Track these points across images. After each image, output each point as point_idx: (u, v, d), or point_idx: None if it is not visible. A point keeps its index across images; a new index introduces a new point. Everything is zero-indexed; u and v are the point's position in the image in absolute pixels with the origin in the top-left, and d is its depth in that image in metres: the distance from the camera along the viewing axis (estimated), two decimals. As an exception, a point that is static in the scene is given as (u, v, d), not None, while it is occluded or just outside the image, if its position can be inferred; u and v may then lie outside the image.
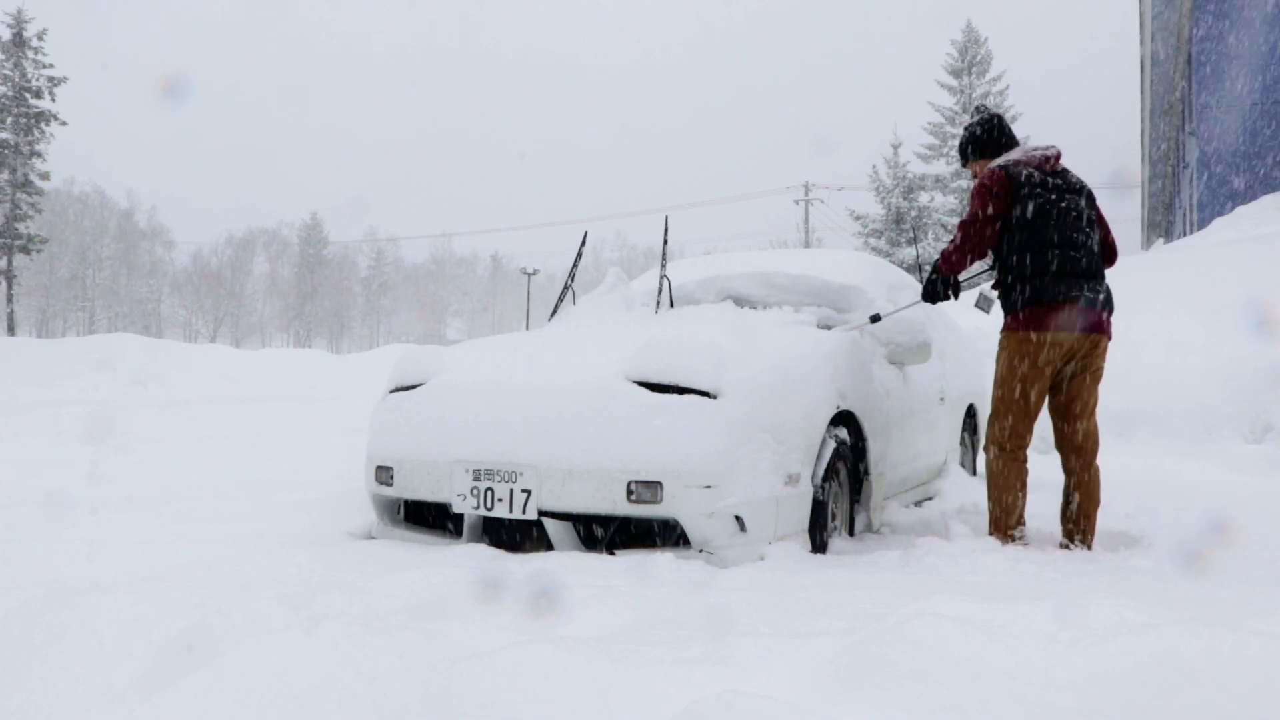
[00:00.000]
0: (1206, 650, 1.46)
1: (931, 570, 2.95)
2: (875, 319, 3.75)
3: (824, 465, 3.17)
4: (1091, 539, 3.42)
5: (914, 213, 31.56)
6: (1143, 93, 22.09)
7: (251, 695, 1.57)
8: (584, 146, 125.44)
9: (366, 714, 1.53)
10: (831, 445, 3.24)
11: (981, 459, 5.64)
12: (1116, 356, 7.28)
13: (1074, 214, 3.42)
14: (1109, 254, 3.58)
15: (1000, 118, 3.73)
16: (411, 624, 1.96)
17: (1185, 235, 17.91)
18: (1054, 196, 3.40)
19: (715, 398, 2.92)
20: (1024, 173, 3.42)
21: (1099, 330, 3.38)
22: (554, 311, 4.64)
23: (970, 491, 4.60)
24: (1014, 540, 3.37)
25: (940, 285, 3.50)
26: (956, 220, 30.27)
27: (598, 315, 3.75)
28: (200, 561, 2.86)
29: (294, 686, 1.59)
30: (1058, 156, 3.52)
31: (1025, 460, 3.44)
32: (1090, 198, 3.53)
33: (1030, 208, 3.37)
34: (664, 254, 4.28)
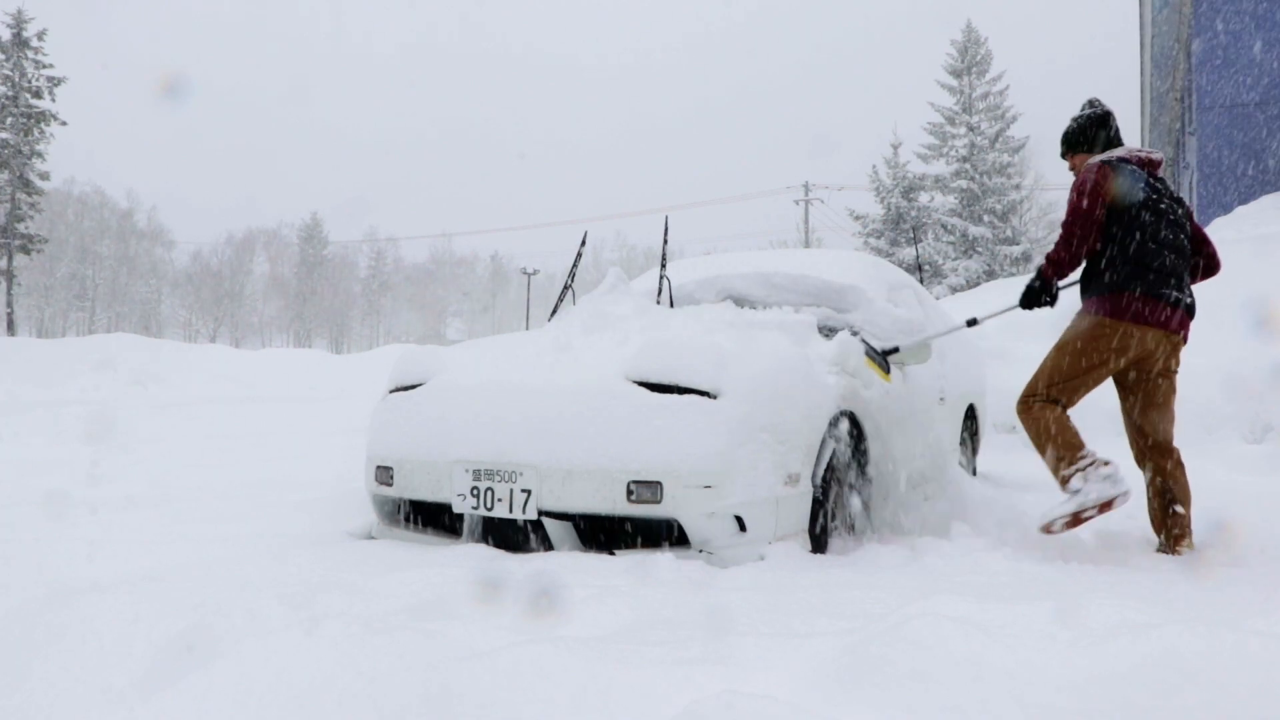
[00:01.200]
0: (1206, 650, 1.46)
1: (931, 570, 2.95)
2: (972, 323, 3.80)
3: (824, 465, 3.17)
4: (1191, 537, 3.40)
5: (914, 213, 31.55)
6: (1143, 92, 22.09)
7: (251, 695, 1.57)
8: (584, 146, 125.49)
9: (366, 714, 1.53)
10: (831, 445, 3.23)
11: (977, 460, 5.63)
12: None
13: (1172, 218, 3.42)
14: (1211, 265, 3.65)
15: (1112, 115, 3.68)
16: (411, 624, 1.96)
17: (1185, 235, 17.88)
18: (1155, 197, 3.40)
19: (715, 398, 2.92)
20: (1129, 167, 3.40)
21: (1181, 332, 3.42)
22: (554, 311, 4.64)
23: (970, 492, 4.59)
24: (1090, 464, 3.26)
25: (1041, 292, 3.46)
26: (956, 220, 30.24)
27: (598, 315, 3.75)
28: (200, 561, 2.86)
29: (294, 686, 1.60)
30: (1160, 163, 3.52)
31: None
32: (1189, 212, 3.56)
33: (1139, 199, 3.34)
34: (664, 254, 4.28)
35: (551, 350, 3.41)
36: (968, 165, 31.16)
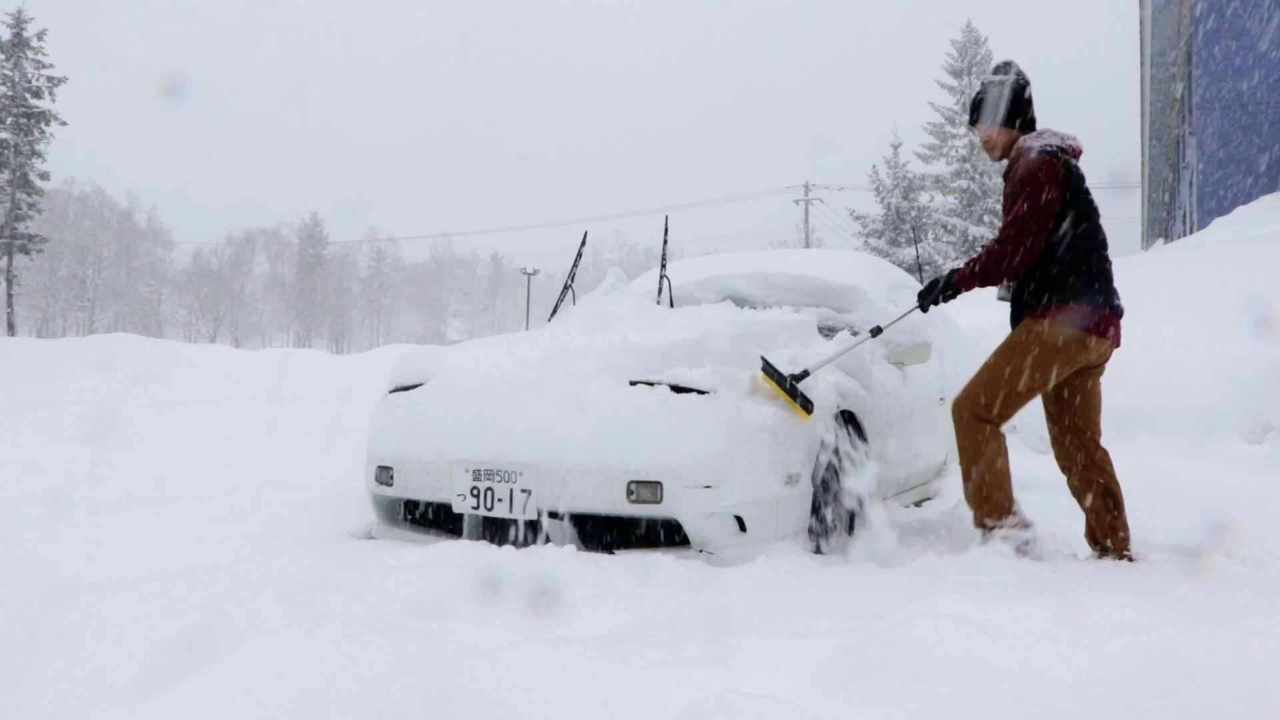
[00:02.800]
0: (1206, 650, 1.46)
1: (931, 570, 2.95)
2: (876, 332, 3.50)
3: (824, 465, 3.16)
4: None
5: (914, 213, 31.55)
6: (1143, 93, 22.09)
7: (251, 695, 1.57)
8: (584, 146, 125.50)
9: (366, 714, 1.53)
10: (831, 445, 3.23)
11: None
12: (1116, 356, 7.32)
13: (1099, 213, 3.25)
14: None
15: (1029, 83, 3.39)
16: (411, 624, 1.96)
17: (1185, 235, 17.91)
18: (1090, 194, 3.24)
19: (715, 398, 2.92)
20: (1071, 161, 3.22)
21: (1118, 340, 3.32)
22: (554, 311, 4.64)
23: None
24: (1014, 526, 3.09)
25: (943, 296, 3.31)
26: (956, 220, 30.23)
27: (598, 315, 3.75)
28: (200, 561, 2.86)
29: (294, 686, 1.59)
30: (1082, 152, 3.33)
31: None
32: None
33: (1087, 204, 3.19)
34: (664, 254, 4.29)
35: (552, 350, 3.41)
36: (968, 165, 31.16)
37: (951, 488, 4.64)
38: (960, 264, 3.32)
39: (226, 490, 4.73)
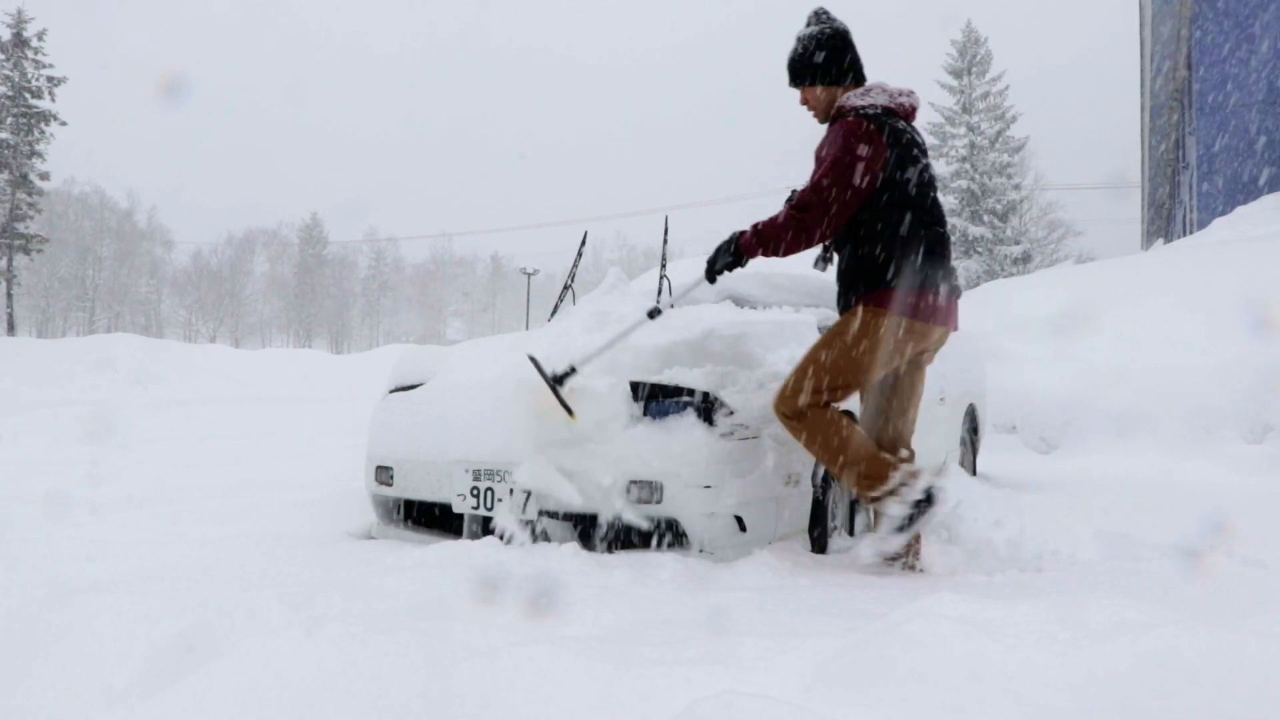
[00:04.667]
0: (1206, 650, 1.46)
1: (931, 570, 2.95)
2: (654, 314, 3.05)
3: (824, 465, 3.16)
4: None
5: (914, 213, 31.53)
6: (1143, 93, 22.08)
7: (251, 695, 1.57)
8: (584, 146, 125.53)
9: (366, 714, 1.53)
10: (831, 445, 3.23)
11: (964, 457, 5.62)
12: (1117, 356, 7.34)
13: (935, 184, 2.93)
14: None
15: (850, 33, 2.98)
16: (411, 624, 1.96)
17: (1185, 235, 17.91)
18: (926, 161, 2.91)
19: (715, 398, 2.92)
20: (898, 125, 2.85)
21: (955, 323, 2.98)
22: (554, 311, 4.64)
23: (970, 491, 4.60)
24: (903, 483, 2.77)
25: (728, 266, 2.93)
26: (956, 220, 30.20)
27: (598, 315, 3.75)
28: (200, 561, 2.86)
29: (294, 686, 1.59)
30: (918, 108, 2.95)
31: None
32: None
33: (914, 175, 2.83)
34: (664, 254, 4.28)
35: (552, 351, 3.41)
36: (968, 165, 31.17)
37: (951, 488, 4.64)
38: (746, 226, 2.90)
39: (226, 490, 4.73)
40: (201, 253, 71.92)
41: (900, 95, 2.91)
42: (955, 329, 3.00)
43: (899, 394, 3.03)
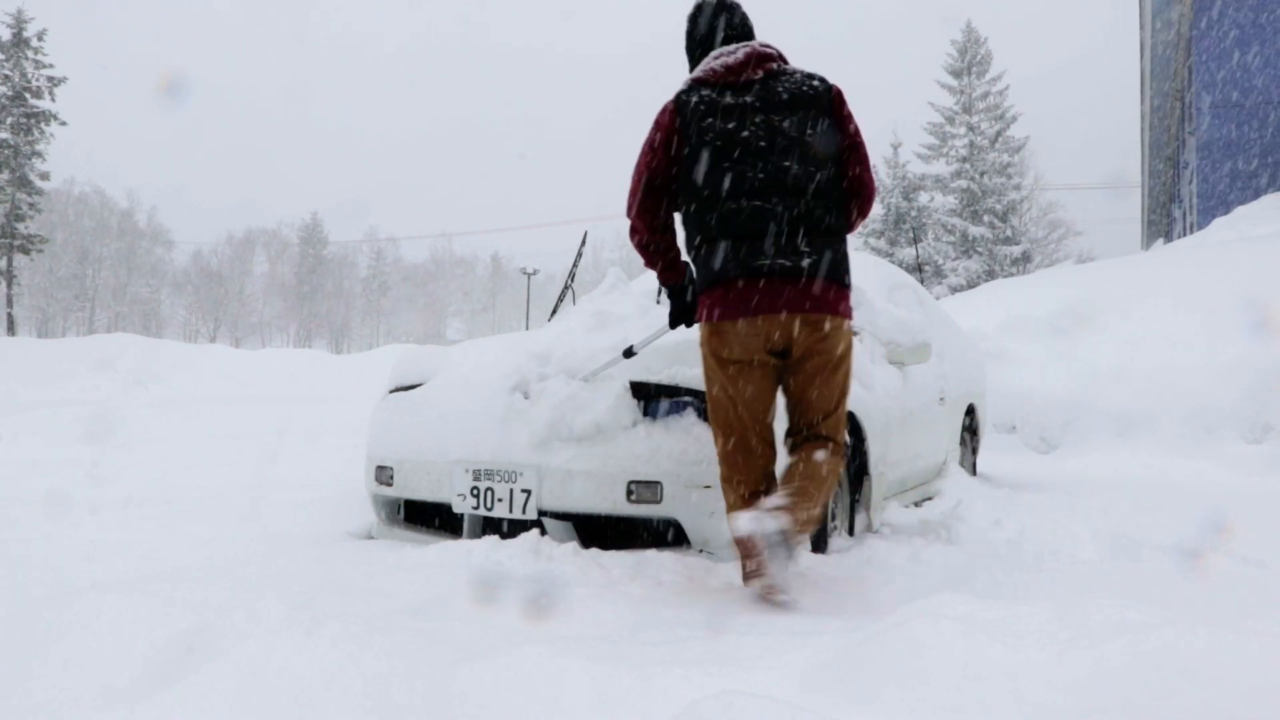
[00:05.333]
0: (1206, 650, 1.46)
1: (931, 570, 2.95)
2: (629, 354, 2.95)
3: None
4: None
5: (914, 213, 31.55)
6: (1143, 93, 22.09)
7: (252, 695, 1.57)
8: (585, 146, 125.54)
9: (366, 714, 1.53)
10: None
11: (974, 458, 5.62)
12: (1117, 356, 7.34)
13: (762, 143, 2.43)
14: (854, 194, 2.55)
15: (713, 5, 2.62)
16: (412, 624, 1.96)
17: (1185, 235, 17.91)
18: (733, 125, 2.43)
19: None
20: (697, 98, 2.49)
21: (804, 309, 2.42)
22: (554, 311, 4.64)
23: (970, 491, 4.60)
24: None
25: (674, 304, 2.69)
26: (956, 220, 30.22)
27: (598, 315, 3.75)
28: (200, 561, 2.86)
29: (294, 686, 1.59)
30: (750, 60, 2.50)
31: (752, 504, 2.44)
32: (816, 113, 2.45)
33: (697, 148, 2.45)
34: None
35: (552, 350, 3.41)
36: (968, 165, 31.16)
37: (951, 488, 4.65)
38: None
39: (226, 490, 4.73)
40: (201, 253, 71.97)
41: (717, 58, 2.53)
42: (798, 312, 2.41)
43: (790, 394, 2.59)
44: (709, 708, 1.38)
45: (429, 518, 3.49)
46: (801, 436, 2.59)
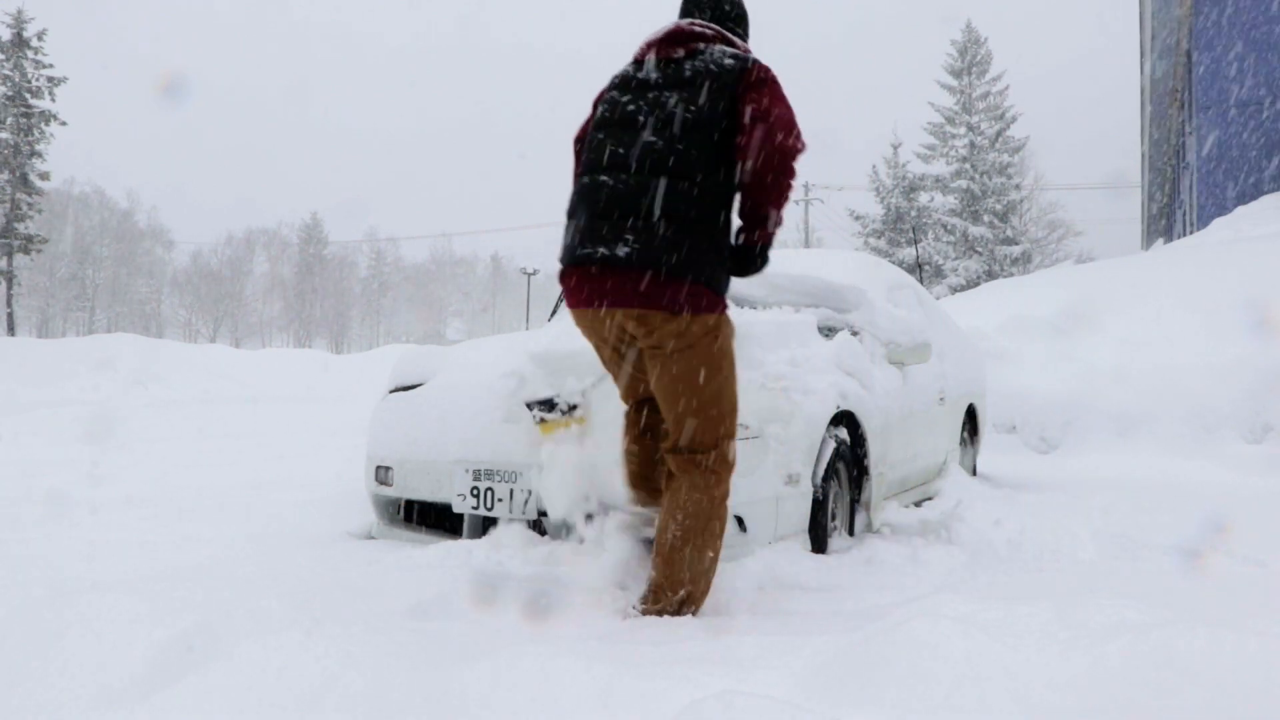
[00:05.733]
0: (1206, 650, 1.46)
1: (931, 570, 2.95)
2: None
3: (824, 465, 3.16)
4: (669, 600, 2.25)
5: (914, 213, 31.54)
6: (1143, 93, 22.08)
7: (252, 695, 1.57)
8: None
9: (366, 714, 1.53)
10: (832, 445, 3.23)
11: (972, 458, 5.61)
12: (1117, 356, 7.34)
13: (639, 117, 2.26)
14: (751, 182, 2.23)
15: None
16: (412, 624, 1.96)
17: (1185, 235, 17.91)
18: (626, 99, 2.31)
19: (715, 398, 2.92)
20: (619, 72, 2.43)
21: (632, 303, 2.20)
22: (554, 311, 4.64)
23: (970, 491, 4.60)
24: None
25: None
26: (956, 220, 30.24)
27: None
28: (200, 561, 2.86)
29: (294, 686, 1.59)
30: (671, 37, 2.36)
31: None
32: (715, 89, 2.22)
33: (591, 121, 2.40)
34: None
35: (552, 350, 3.41)
36: (968, 165, 31.16)
37: (951, 488, 4.65)
38: None
39: (226, 490, 4.73)
40: (201, 253, 71.93)
41: (659, 30, 2.43)
42: (660, 310, 2.20)
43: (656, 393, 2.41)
44: (709, 708, 1.38)
45: (429, 518, 3.49)
46: (668, 448, 2.35)
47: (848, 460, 3.44)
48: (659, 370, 2.28)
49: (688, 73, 2.28)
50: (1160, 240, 22.98)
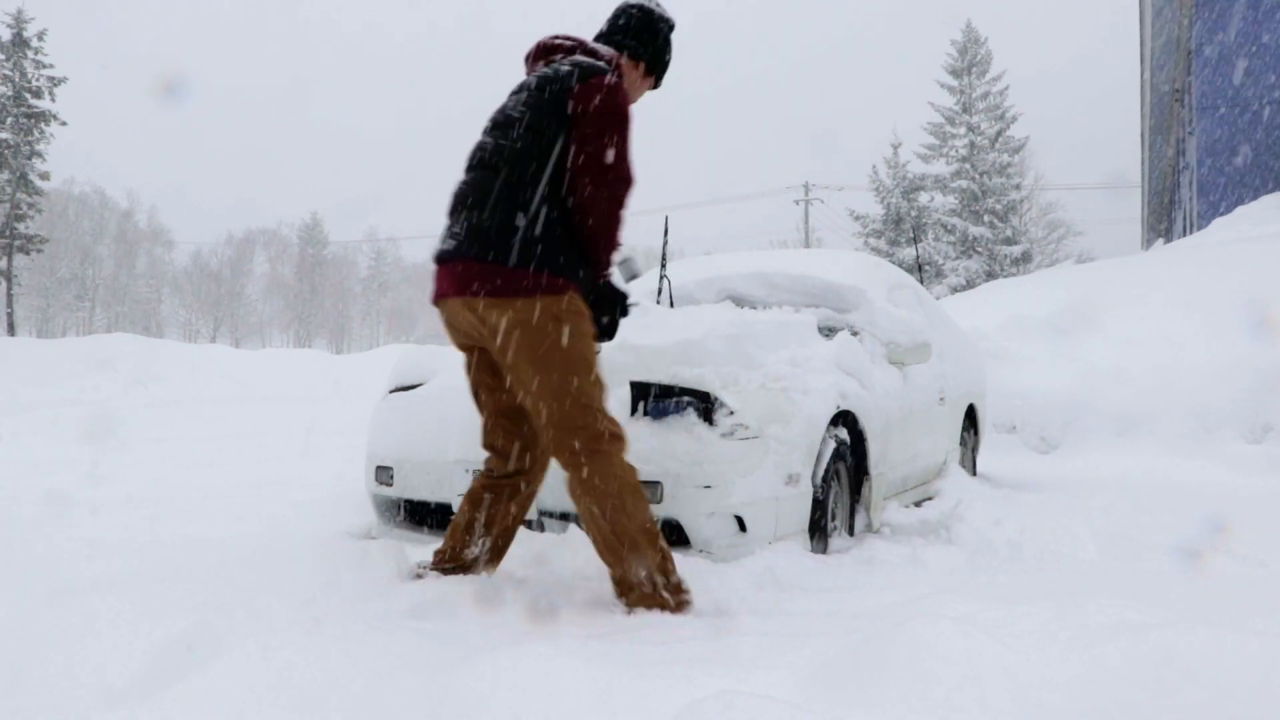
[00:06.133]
0: (1206, 650, 1.46)
1: (931, 570, 2.95)
2: None
3: (824, 465, 3.16)
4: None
5: (914, 213, 31.54)
6: (1142, 93, 22.09)
7: (252, 695, 1.57)
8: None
9: (367, 714, 1.53)
10: (832, 445, 3.23)
11: (967, 457, 5.61)
12: (1117, 356, 7.35)
13: (498, 119, 2.46)
14: (577, 179, 2.33)
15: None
16: (412, 624, 1.96)
17: (1185, 235, 17.91)
18: (510, 101, 2.50)
19: (715, 398, 2.92)
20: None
21: (460, 292, 2.33)
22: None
23: (970, 491, 4.60)
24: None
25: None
26: (956, 220, 30.26)
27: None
28: (200, 561, 2.86)
29: (295, 686, 1.59)
30: (538, 49, 2.56)
31: (480, 490, 2.54)
32: (551, 91, 2.37)
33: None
34: (664, 254, 4.28)
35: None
36: (968, 165, 31.16)
37: (951, 488, 4.65)
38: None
39: (226, 490, 4.73)
40: (201, 253, 71.89)
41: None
42: (465, 295, 2.33)
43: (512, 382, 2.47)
44: (709, 708, 1.38)
45: (429, 518, 3.49)
46: (543, 444, 2.44)
47: (848, 460, 3.44)
48: (505, 358, 2.34)
49: (535, 81, 2.45)
50: (1160, 240, 22.98)
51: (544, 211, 2.32)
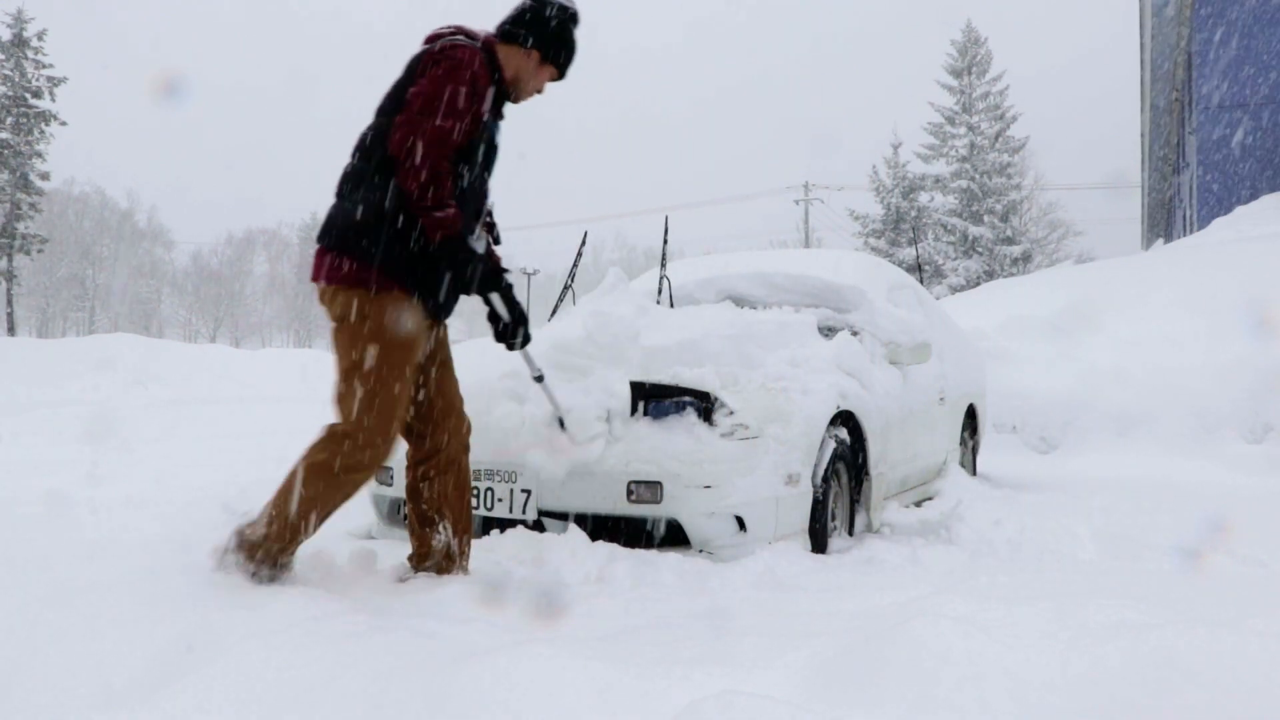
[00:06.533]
0: (1206, 650, 1.46)
1: (931, 570, 2.95)
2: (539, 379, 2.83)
3: (824, 465, 3.16)
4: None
5: (914, 213, 31.54)
6: (1143, 93, 22.08)
7: (252, 695, 1.57)
8: (584, 145, 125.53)
9: (366, 714, 1.53)
10: (831, 445, 3.23)
11: (967, 457, 5.61)
12: (1117, 356, 7.34)
13: (384, 107, 2.50)
14: (394, 151, 2.33)
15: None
16: (411, 624, 1.96)
17: (1185, 235, 17.91)
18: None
19: (715, 398, 2.93)
20: None
21: (316, 275, 2.43)
22: (554, 311, 4.64)
23: (970, 491, 4.60)
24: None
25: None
26: (956, 220, 30.28)
27: (598, 315, 3.74)
28: (200, 562, 2.86)
29: (295, 686, 1.59)
30: (426, 40, 2.57)
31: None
32: (407, 72, 2.45)
33: None
34: (664, 254, 4.29)
35: (551, 350, 3.41)
36: (968, 165, 31.16)
37: (951, 488, 4.65)
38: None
39: (226, 490, 4.73)
40: (201, 253, 71.88)
41: None
42: (325, 280, 2.40)
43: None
44: (709, 708, 1.38)
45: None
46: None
47: (848, 460, 3.44)
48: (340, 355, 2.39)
49: (415, 55, 2.51)
50: (1160, 240, 22.98)
51: (380, 197, 2.36)
